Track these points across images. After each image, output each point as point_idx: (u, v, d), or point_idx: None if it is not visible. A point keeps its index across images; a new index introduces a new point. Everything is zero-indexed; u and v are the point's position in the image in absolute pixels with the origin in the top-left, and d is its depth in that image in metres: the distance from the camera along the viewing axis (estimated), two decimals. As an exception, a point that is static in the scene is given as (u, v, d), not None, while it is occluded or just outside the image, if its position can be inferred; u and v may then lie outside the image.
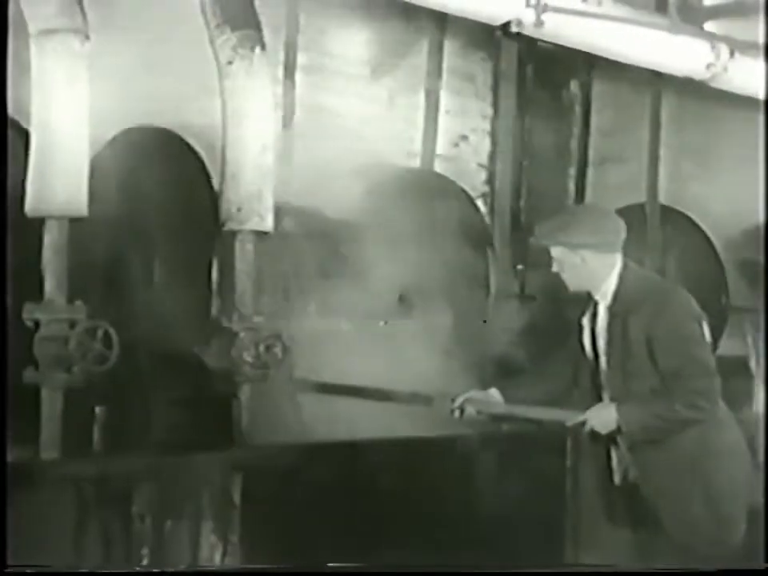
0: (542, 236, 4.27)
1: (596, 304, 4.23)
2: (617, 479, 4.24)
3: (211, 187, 4.40)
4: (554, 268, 4.23)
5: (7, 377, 3.63)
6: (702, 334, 4.13)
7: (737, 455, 4.18)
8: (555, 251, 4.21)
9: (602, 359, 4.21)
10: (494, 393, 4.36)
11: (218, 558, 4.00)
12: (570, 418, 4.15)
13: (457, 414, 4.30)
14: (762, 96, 6.20)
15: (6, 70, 3.74)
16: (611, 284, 4.18)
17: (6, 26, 3.74)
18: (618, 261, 4.19)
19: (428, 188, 5.59)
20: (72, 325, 3.88)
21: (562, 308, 5.44)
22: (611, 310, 4.17)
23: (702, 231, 6.28)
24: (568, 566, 4.29)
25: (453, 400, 4.32)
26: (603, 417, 4.09)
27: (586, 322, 4.28)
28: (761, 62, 6.06)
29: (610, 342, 4.17)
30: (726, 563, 4.04)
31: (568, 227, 4.20)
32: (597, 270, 4.17)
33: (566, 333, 4.44)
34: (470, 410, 4.29)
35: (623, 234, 4.22)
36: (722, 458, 4.11)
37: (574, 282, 4.22)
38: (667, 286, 4.29)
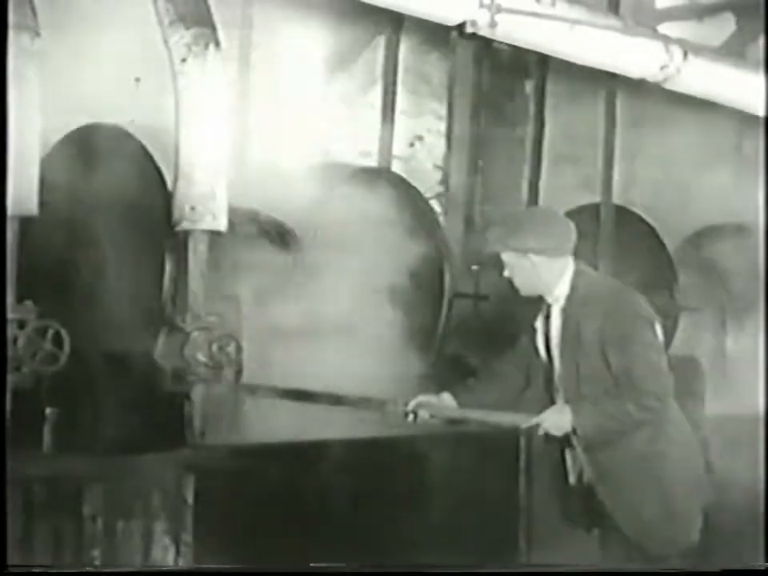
0: (492, 241, 4.27)
1: (549, 307, 4.25)
2: (571, 480, 4.25)
3: (164, 186, 4.37)
4: (506, 273, 4.23)
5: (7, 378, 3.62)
6: (654, 336, 4.14)
7: (688, 455, 4.20)
8: (506, 256, 4.20)
9: (556, 361, 4.22)
10: (447, 397, 4.34)
11: (170, 558, 3.98)
12: (524, 421, 4.15)
13: (410, 418, 4.29)
14: (715, 97, 6.26)
15: (6, 69, 3.74)
16: (563, 287, 4.18)
17: (5, 26, 3.74)
18: (569, 264, 4.19)
19: (383, 188, 5.59)
20: (21, 325, 3.85)
21: (517, 308, 5.46)
22: (565, 312, 4.18)
23: (655, 232, 6.32)
24: (561, 567, 4.27)
25: (406, 404, 4.30)
26: (557, 419, 4.08)
27: (539, 324, 4.29)
28: (714, 63, 6.11)
29: (563, 345, 4.18)
30: (681, 563, 4.08)
31: (517, 232, 4.19)
32: (547, 274, 4.17)
33: (520, 333, 4.45)
34: (423, 414, 4.28)
35: (574, 238, 4.22)
36: (674, 458, 4.13)
37: (525, 286, 4.23)
38: (619, 288, 4.29)
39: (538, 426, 4.10)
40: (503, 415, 4.26)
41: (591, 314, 4.10)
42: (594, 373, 4.10)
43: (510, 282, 4.24)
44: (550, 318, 4.24)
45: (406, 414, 4.26)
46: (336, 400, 4.37)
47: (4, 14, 3.73)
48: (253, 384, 4.40)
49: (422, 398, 4.31)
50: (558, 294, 4.19)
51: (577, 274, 4.19)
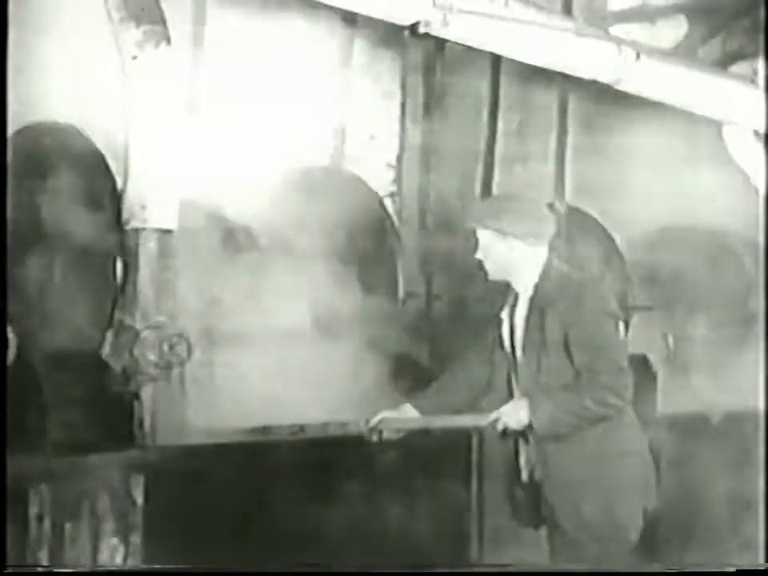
0: (472, 219, 4.25)
1: (517, 296, 4.23)
2: (524, 476, 4.25)
3: (115, 184, 4.34)
4: (478, 254, 4.21)
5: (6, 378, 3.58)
6: (617, 332, 4.15)
7: (638, 456, 4.21)
8: (483, 236, 4.18)
9: (518, 352, 4.20)
10: (408, 408, 4.29)
11: (119, 559, 3.95)
12: (484, 420, 4.13)
13: (375, 437, 4.25)
14: (667, 98, 6.30)
15: (6, 69, 3.73)
16: (534, 277, 4.17)
17: (5, 26, 3.73)
18: (543, 254, 4.18)
19: (336, 186, 5.58)
20: (-34, 324, 3.82)
21: (470, 308, 5.48)
22: (531, 302, 4.15)
23: (607, 232, 6.35)
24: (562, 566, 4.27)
25: (367, 422, 4.23)
26: (515, 413, 4.07)
27: (505, 315, 4.27)
28: (666, 65, 6.15)
29: (526, 335, 4.15)
30: (618, 564, 4.10)
31: (500, 213, 4.18)
32: (521, 261, 4.16)
33: (474, 333, 4.45)
34: (387, 431, 4.26)
35: (552, 230, 4.23)
36: (623, 459, 4.14)
37: (496, 270, 4.21)
38: (587, 283, 4.27)
39: (497, 420, 4.09)
40: (464, 418, 4.26)
41: (556, 306, 4.09)
42: (555, 365, 4.08)
43: (479, 263, 4.23)
44: (516, 307, 4.23)
45: (371, 432, 4.22)
46: (298, 430, 4.36)
47: (4, 13, 3.72)
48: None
49: (383, 415, 4.25)
50: (527, 283, 4.18)
51: (548, 265, 4.18)
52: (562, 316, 4.07)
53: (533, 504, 4.21)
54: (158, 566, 3.98)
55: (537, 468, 4.18)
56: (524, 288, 4.19)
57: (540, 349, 4.11)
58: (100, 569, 3.88)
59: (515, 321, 4.22)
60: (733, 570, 4.15)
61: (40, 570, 3.72)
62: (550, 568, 4.18)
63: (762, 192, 7.08)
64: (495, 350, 4.30)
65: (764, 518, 4.85)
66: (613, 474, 4.11)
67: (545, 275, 4.17)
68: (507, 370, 4.26)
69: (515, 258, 4.17)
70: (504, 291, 4.29)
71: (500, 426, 4.09)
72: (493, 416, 4.09)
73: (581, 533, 4.08)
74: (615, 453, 4.13)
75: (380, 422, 4.23)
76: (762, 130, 6.81)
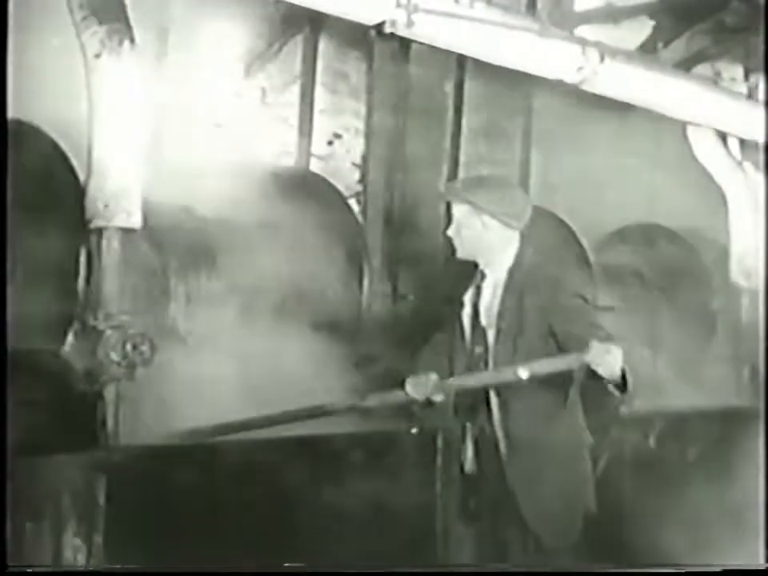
0: (451, 192, 4.26)
1: (483, 278, 4.21)
2: (466, 467, 4.25)
3: (77, 183, 4.32)
4: (450, 231, 4.20)
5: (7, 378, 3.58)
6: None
7: (582, 454, 4.24)
8: (459, 210, 4.17)
9: (490, 333, 4.17)
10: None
11: (81, 559, 3.94)
12: (573, 362, 3.92)
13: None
14: (631, 99, 6.33)
15: (6, 69, 3.72)
16: (507, 259, 4.16)
17: (5, 26, 3.72)
18: (516, 239, 4.18)
19: (302, 187, 5.57)
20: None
21: (436, 307, 5.48)
22: (506, 284, 4.14)
23: (572, 231, 6.37)
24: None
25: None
26: (608, 358, 3.79)
27: (468, 298, 4.25)
28: (630, 66, 6.18)
29: (501, 319, 4.13)
30: (558, 561, 4.13)
31: (479, 188, 4.18)
32: (494, 241, 4.15)
33: (440, 332, 4.46)
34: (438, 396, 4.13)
35: (528, 215, 4.21)
36: (574, 454, 4.18)
37: (466, 247, 4.19)
38: (561, 275, 4.26)
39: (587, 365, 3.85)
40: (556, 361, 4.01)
41: (538, 294, 4.08)
42: (530, 347, 4.08)
43: (450, 241, 4.21)
44: (482, 288, 4.22)
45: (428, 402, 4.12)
46: (271, 421, 4.32)
47: (4, 13, 3.71)
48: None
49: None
50: (498, 265, 4.16)
51: (523, 252, 4.17)
52: (544, 304, 4.07)
53: (487, 499, 4.23)
54: (117, 567, 3.97)
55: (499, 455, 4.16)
56: (494, 270, 4.18)
57: (517, 333, 4.10)
58: (101, 569, 3.87)
59: (480, 303, 4.21)
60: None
61: (41, 569, 3.71)
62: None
63: (726, 192, 7.14)
64: (455, 335, 4.29)
65: (764, 518, 4.88)
66: (570, 467, 4.14)
67: (519, 261, 4.16)
68: (469, 350, 4.23)
69: (488, 237, 4.15)
70: (470, 276, 4.26)
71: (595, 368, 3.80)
72: (583, 358, 3.81)
73: (539, 525, 4.10)
74: (570, 445, 4.16)
75: (435, 386, 4.10)
76: (721, 129, 6.88)
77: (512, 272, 4.15)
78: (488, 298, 4.19)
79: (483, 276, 4.22)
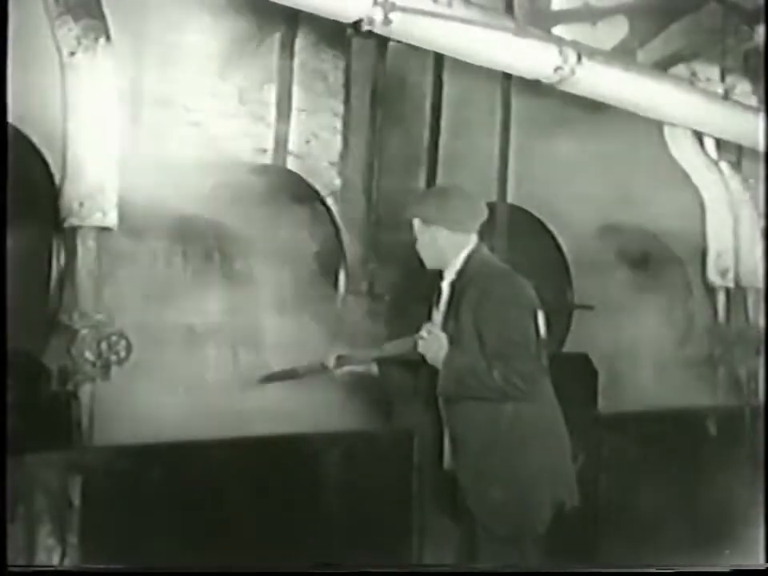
0: (407, 210, 4.44)
1: (442, 281, 4.37)
2: (446, 464, 4.29)
3: (52, 182, 4.29)
4: (417, 244, 4.39)
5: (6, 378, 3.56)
6: (526, 320, 4.19)
7: (551, 448, 4.25)
8: (415, 225, 4.39)
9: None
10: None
11: (56, 559, 3.91)
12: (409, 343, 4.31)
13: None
14: (608, 99, 6.34)
15: (6, 69, 3.71)
16: (457, 263, 4.30)
17: (5, 27, 3.70)
18: (469, 242, 4.32)
19: (279, 185, 5.55)
20: None
21: (412, 306, 5.46)
22: (451, 287, 4.30)
23: (549, 230, 6.38)
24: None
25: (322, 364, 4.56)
26: (436, 345, 4.22)
27: (434, 300, 4.40)
28: (606, 66, 6.19)
29: (445, 319, 4.29)
30: (532, 551, 4.13)
31: (423, 202, 4.44)
32: (446, 248, 4.32)
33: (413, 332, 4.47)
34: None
35: (481, 218, 4.37)
36: (534, 447, 4.19)
37: (427, 257, 4.39)
38: (505, 272, 4.35)
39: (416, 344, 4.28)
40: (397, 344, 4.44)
41: (471, 292, 4.21)
42: (467, 349, 4.18)
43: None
44: (441, 291, 4.36)
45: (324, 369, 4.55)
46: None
47: (4, 13, 3.69)
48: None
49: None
50: (452, 268, 4.31)
51: (473, 252, 4.31)
52: (474, 301, 4.18)
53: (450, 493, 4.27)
54: (92, 567, 3.95)
55: (452, 454, 4.24)
56: (449, 273, 4.34)
57: (455, 332, 4.22)
58: (102, 569, 3.86)
59: (440, 305, 4.35)
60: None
61: (43, 569, 3.69)
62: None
63: (702, 192, 7.17)
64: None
65: (764, 518, 4.90)
66: (522, 461, 4.17)
67: (468, 262, 4.30)
68: None
69: (439, 246, 4.33)
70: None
71: (420, 350, 4.25)
72: (418, 337, 4.27)
73: (488, 516, 4.14)
74: (525, 440, 4.19)
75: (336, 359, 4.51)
76: (698, 129, 6.91)
77: (460, 274, 4.31)
78: (444, 299, 4.35)
79: (442, 279, 4.38)
